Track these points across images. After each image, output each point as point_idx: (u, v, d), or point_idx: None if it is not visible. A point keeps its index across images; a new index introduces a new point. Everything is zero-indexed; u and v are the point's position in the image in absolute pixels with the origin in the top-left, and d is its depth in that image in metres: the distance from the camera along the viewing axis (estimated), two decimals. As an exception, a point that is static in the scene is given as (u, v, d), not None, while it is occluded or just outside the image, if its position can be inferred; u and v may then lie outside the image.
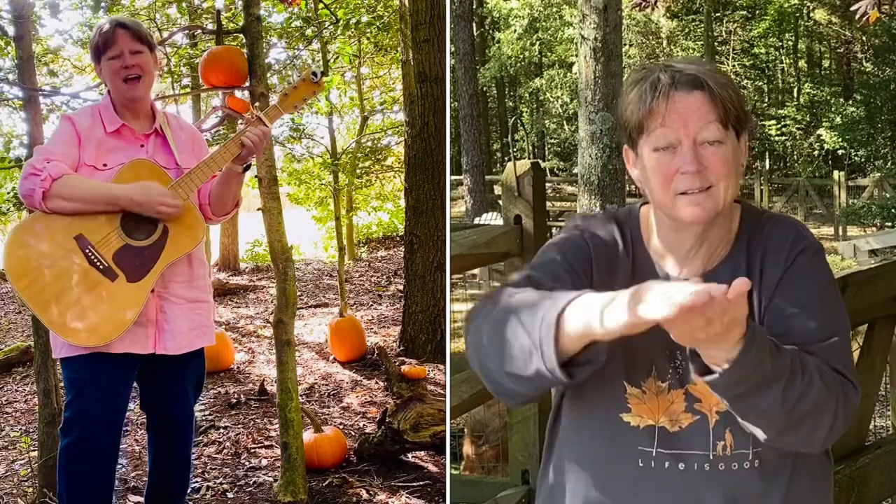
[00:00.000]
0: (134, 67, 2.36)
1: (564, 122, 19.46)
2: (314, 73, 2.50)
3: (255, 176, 2.94)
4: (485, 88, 19.79)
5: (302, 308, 6.97)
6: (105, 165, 2.35)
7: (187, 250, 2.39)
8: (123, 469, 3.42)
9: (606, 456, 1.31)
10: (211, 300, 2.56)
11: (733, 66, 18.22)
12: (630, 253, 1.35)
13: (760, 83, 18.92)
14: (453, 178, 13.88)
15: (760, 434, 1.19)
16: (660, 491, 1.28)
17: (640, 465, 1.28)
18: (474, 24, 16.07)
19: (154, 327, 2.37)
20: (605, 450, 1.31)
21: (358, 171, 8.27)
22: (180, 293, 2.42)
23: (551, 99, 19.66)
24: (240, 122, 2.49)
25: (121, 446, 2.49)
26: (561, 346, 1.08)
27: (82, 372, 2.31)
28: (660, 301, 0.97)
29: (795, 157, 16.97)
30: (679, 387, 1.29)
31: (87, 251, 2.27)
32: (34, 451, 3.31)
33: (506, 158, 18.16)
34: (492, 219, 9.51)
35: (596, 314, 1.03)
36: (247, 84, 2.90)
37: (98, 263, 2.28)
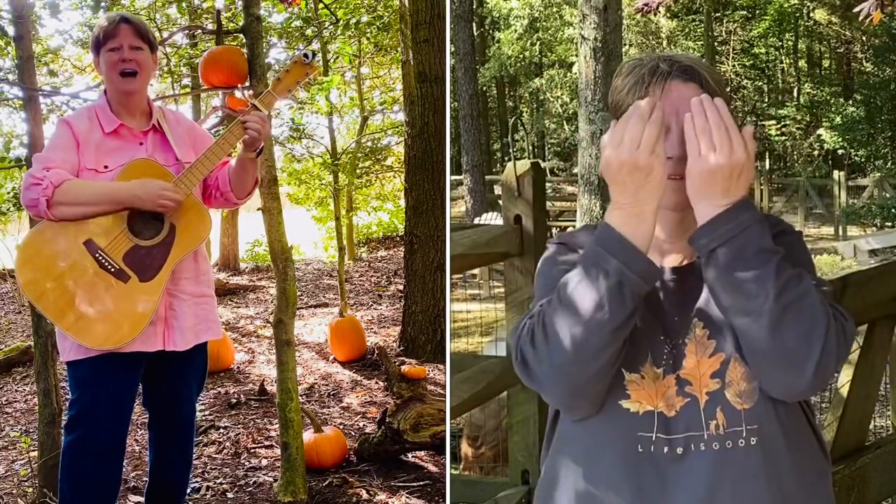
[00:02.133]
0: (131, 63, 2.36)
1: (564, 122, 19.44)
2: (306, 55, 2.50)
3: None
4: (485, 88, 19.80)
5: (302, 308, 6.97)
6: (106, 168, 2.35)
7: (195, 246, 2.41)
8: (123, 469, 3.42)
9: (606, 442, 1.32)
10: (213, 294, 2.58)
11: (733, 66, 18.23)
12: None
13: (760, 83, 18.92)
14: (453, 178, 13.88)
15: (752, 331, 1.20)
16: (659, 475, 1.29)
17: (640, 450, 1.29)
18: (474, 24, 16.07)
19: (163, 324, 2.39)
20: (604, 436, 1.32)
21: (358, 171, 8.27)
22: (187, 289, 2.44)
23: (551, 99, 19.66)
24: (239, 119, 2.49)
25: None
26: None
27: (89, 371, 2.32)
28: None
29: (795, 157, 16.97)
30: (672, 372, 1.31)
31: (98, 255, 2.30)
32: (34, 451, 3.31)
33: (506, 158, 18.16)
34: (492, 219, 9.51)
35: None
36: (247, 84, 2.90)
37: (109, 267, 2.30)
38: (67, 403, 2.42)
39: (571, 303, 1.23)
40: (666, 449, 1.29)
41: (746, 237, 1.21)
